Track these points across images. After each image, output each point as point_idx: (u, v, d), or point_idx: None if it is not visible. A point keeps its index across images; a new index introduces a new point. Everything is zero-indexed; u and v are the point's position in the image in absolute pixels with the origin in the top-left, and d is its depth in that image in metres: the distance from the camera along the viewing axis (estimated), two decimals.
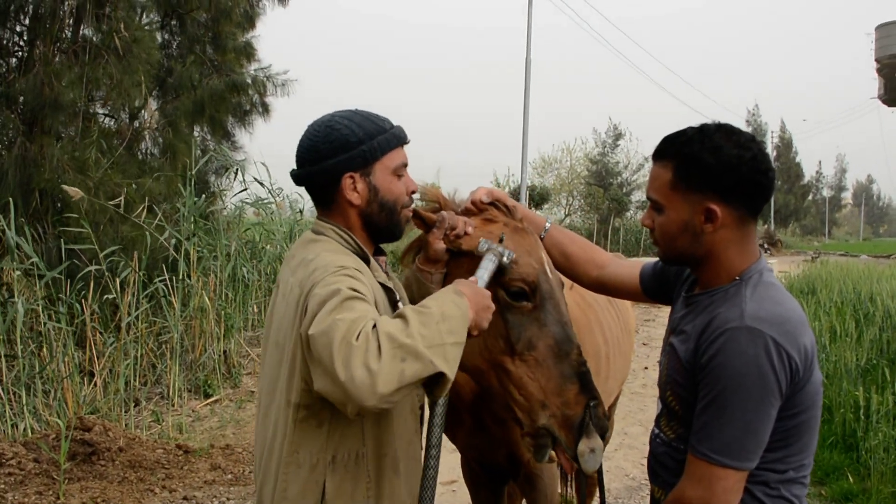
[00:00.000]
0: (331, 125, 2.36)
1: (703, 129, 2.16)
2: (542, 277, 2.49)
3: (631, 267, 2.82)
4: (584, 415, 2.29)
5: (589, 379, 2.37)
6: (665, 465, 2.29)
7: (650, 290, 2.70)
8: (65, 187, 8.11)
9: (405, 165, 2.45)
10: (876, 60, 37.94)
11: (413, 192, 2.49)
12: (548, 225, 2.91)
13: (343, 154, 2.32)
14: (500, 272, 2.44)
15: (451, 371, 1.96)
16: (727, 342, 1.99)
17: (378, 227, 2.42)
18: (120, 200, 8.55)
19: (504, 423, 3.12)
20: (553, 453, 2.38)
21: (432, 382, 1.98)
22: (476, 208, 2.69)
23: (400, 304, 2.34)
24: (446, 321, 2.01)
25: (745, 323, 1.98)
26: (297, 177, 2.42)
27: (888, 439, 6.34)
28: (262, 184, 11.73)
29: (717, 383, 2.00)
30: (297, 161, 2.41)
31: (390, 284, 2.37)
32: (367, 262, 2.34)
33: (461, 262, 2.56)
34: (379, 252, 2.53)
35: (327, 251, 2.27)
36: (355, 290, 2.05)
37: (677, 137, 2.19)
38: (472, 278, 2.31)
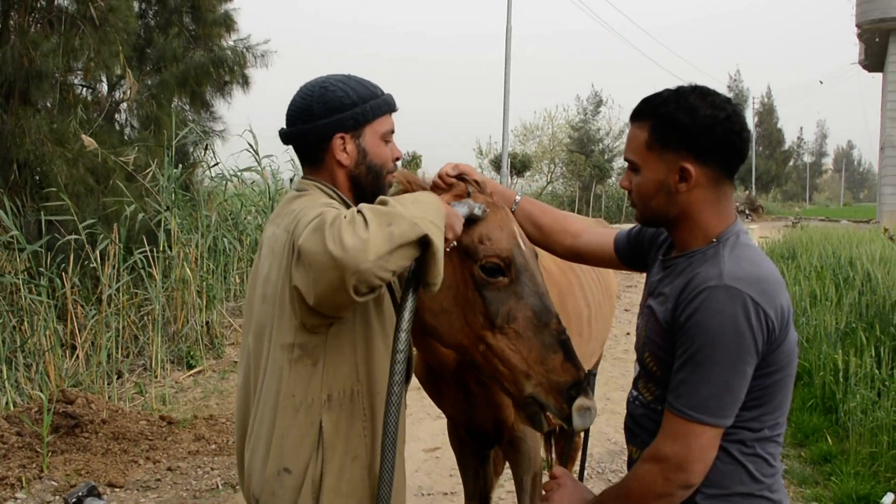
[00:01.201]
0: (325, 86, 2.39)
1: (679, 90, 2.19)
2: (515, 251, 2.49)
3: (605, 235, 2.82)
4: (581, 381, 2.33)
5: (570, 346, 2.39)
6: (643, 426, 2.31)
7: (625, 257, 2.71)
8: (83, 136, 8.08)
9: (392, 132, 2.51)
10: (857, 25, 37.86)
11: (397, 159, 2.54)
12: (518, 198, 2.89)
13: (336, 115, 2.37)
14: (470, 222, 2.46)
15: (437, 240, 2.07)
16: (705, 301, 2.02)
17: (364, 189, 2.45)
18: (129, 159, 8.49)
19: (488, 389, 3.14)
20: (549, 417, 2.40)
21: (422, 267, 2.11)
22: (444, 183, 2.68)
23: None
24: (419, 203, 2.11)
25: (724, 282, 2.01)
26: (288, 135, 2.46)
27: (866, 401, 6.41)
28: (254, 151, 11.64)
29: (694, 341, 2.03)
30: (289, 119, 2.45)
31: None
32: None
33: None
34: None
35: (312, 200, 2.31)
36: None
37: (654, 99, 2.22)
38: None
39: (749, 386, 2.05)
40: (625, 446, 2.60)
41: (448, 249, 2.31)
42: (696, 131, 2.11)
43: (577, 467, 4.18)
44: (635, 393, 2.39)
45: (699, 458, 2.05)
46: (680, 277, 2.17)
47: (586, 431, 2.55)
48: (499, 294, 2.44)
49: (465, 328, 2.48)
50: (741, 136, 2.14)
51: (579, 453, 3.11)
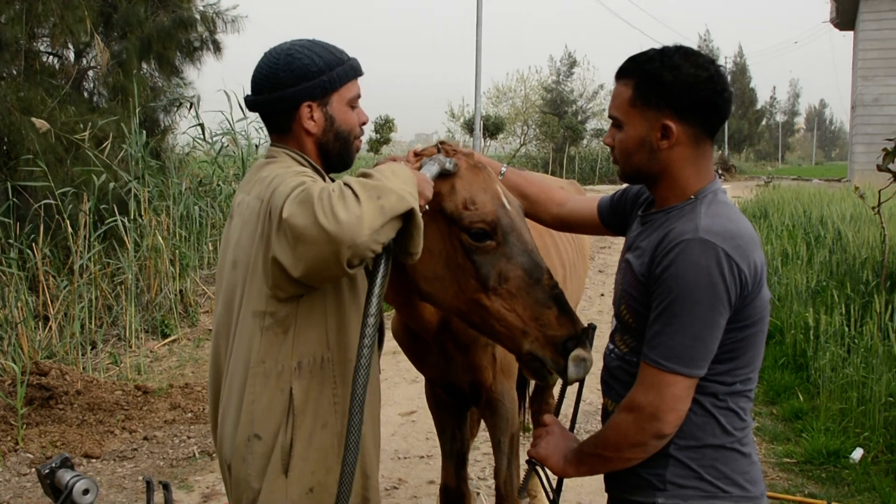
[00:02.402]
0: (291, 53, 2.37)
1: (664, 50, 2.24)
2: (500, 212, 2.52)
3: (589, 202, 2.86)
4: (580, 334, 2.39)
5: (564, 299, 2.45)
6: (618, 378, 2.36)
7: (608, 221, 2.75)
8: (33, 119, 7.95)
9: (359, 97, 2.50)
10: None
11: (364, 124, 2.55)
12: (503, 169, 2.93)
13: (304, 83, 2.35)
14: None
15: (418, 211, 2.14)
16: (680, 253, 2.07)
17: (331, 155, 2.47)
18: (84, 136, 8.37)
19: (467, 350, 3.18)
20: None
21: (404, 238, 2.17)
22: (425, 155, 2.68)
23: None
24: (398, 176, 2.14)
25: (699, 235, 2.06)
26: (254, 103, 2.44)
27: (836, 358, 6.50)
28: (230, 112, 11.57)
29: (669, 292, 2.08)
30: (254, 87, 2.43)
31: None
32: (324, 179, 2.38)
33: None
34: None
35: (284, 168, 2.32)
36: (307, 176, 2.20)
37: (639, 57, 2.27)
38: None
39: (722, 339, 2.10)
40: (599, 406, 2.62)
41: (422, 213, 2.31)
42: (678, 89, 2.16)
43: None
44: (611, 346, 2.44)
45: (672, 408, 2.10)
46: (657, 232, 2.22)
47: (580, 388, 2.59)
48: (488, 257, 2.47)
49: (460, 293, 2.52)
50: (722, 95, 2.19)
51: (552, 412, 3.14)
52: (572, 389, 2.77)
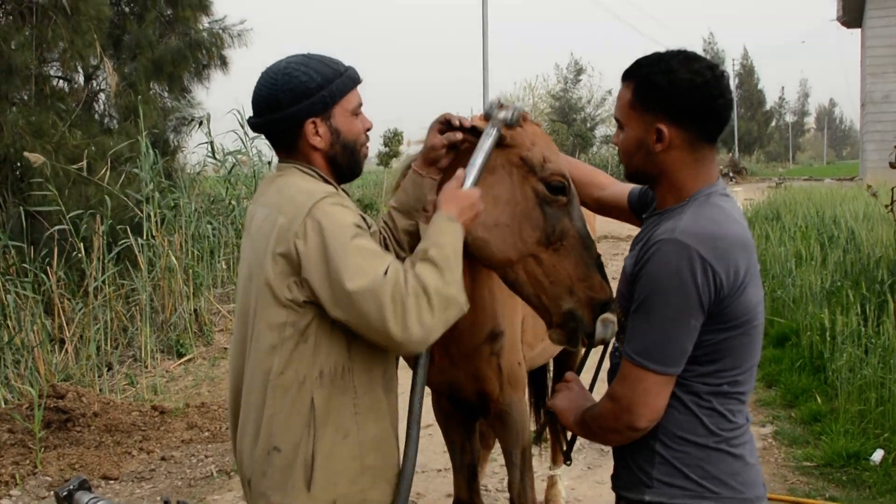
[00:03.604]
0: (288, 72, 2.38)
1: (665, 54, 2.29)
2: (567, 175, 2.67)
3: (624, 189, 2.94)
4: (611, 299, 2.53)
5: (604, 269, 2.62)
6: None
7: (637, 210, 2.82)
8: (26, 154, 7.97)
9: (360, 105, 2.52)
10: None
11: (369, 129, 2.58)
12: None
13: (304, 101, 2.36)
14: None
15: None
16: (656, 253, 2.13)
17: (341, 167, 2.49)
18: (82, 165, 8.40)
19: (472, 357, 3.17)
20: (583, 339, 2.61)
21: None
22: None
23: (372, 235, 2.43)
24: (457, 255, 2.29)
25: (674, 236, 2.11)
26: (258, 125, 2.46)
27: (853, 359, 6.45)
28: (240, 134, 11.62)
29: (643, 290, 2.15)
30: (256, 110, 2.44)
31: (360, 214, 2.43)
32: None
33: (458, 164, 2.64)
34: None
35: (301, 180, 2.37)
36: (359, 224, 2.27)
37: (643, 60, 2.32)
38: (461, 172, 2.49)
39: (700, 340, 2.14)
40: None
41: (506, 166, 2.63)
42: (671, 94, 2.20)
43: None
44: (616, 344, 2.51)
45: (643, 402, 2.16)
46: (649, 232, 2.28)
47: (605, 346, 2.67)
48: (557, 211, 2.62)
49: (518, 243, 2.63)
50: (717, 101, 2.21)
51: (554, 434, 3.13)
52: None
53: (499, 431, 3.45)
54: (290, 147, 2.46)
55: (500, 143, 2.65)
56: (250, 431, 2.35)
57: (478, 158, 2.52)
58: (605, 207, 3.02)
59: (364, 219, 2.40)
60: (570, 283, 2.57)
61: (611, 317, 2.48)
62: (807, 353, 7.50)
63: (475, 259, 2.69)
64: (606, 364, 2.60)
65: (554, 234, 2.59)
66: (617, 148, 2.41)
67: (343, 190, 2.54)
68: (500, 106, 2.59)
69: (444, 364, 3.22)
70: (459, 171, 2.50)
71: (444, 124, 2.68)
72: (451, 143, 2.65)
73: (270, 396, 2.29)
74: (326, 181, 2.43)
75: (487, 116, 2.61)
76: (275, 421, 2.29)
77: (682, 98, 2.19)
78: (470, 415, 3.63)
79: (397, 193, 2.75)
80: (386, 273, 2.16)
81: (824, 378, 6.88)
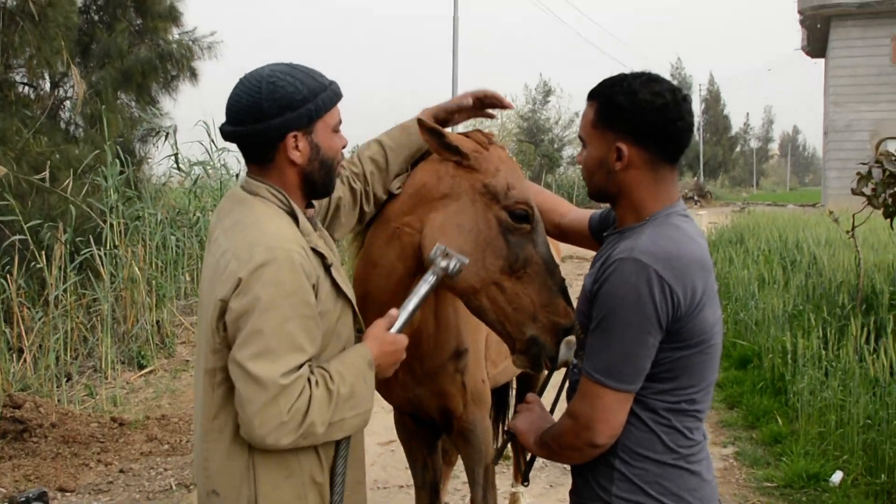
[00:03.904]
0: (272, 82, 2.26)
1: (629, 75, 2.32)
2: (533, 203, 2.68)
3: (585, 214, 2.97)
4: (573, 324, 2.52)
5: (568, 294, 2.61)
6: (576, 390, 2.41)
7: (597, 235, 2.83)
8: None
9: (341, 122, 2.44)
10: (799, 12, 38.37)
11: (344, 147, 2.49)
12: None
13: (289, 113, 2.25)
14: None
15: (341, 437, 2.27)
16: (614, 271, 2.15)
17: (316, 184, 2.40)
18: (45, 175, 8.29)
19: (436, 375, 3.15)
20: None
21: None
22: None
23: (332, 270, 2.34)
24: (353, 399, 2.22)
25: (633, 255, 2.13)
26: (234, 134, 2.32)
27: (814, 382, 6.51)
28: (207, 146, 11.55)
29: (602, 308, 2.16)
30: (233, 118, 2.30)
31: (321, 246, 2.34)
32: (297, 222, 2.31)
33: (452, 178, 2.71)
34: (308, 203, 2.50)
35: (265, 216, 2.25)
36: (301, 298, 2.15)
37: (606, 81, 2.35)
38: (394, 312, 2.42)
39: (657, 358, 2.16)
40: None
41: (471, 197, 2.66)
42: (631, 114, 2.23)
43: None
44: (574, 361, 2.52)
45: (602, 419, 2.17)
46: (608, 250, 2.30)
47: (567, 367, 2.68)
48: (520, 240, 2.63)
49: (482, 271, 2.61)
50: (676, 124, 2.24)
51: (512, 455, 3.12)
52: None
53: (462, 449, 3.43)
54: (264, 160, 2.33)
55: (463, 165, 2.67)
56: (196, 468, 2.32)
57: (411, 303, 2.45)
58: (565, 233, 3.03)
59: (320, 256, 2.32)
60: (534, 309, 2.58)
61: (572, 339, 2.52)
62: (769, 375, 7.58)
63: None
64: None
65: (517, 263, 2.59)
66: (580, 166, 2.43)
67: (309, 218, 2.45)
68: (445, 255, 2.51)
69: (407, 381, 3.19)
70: (392, 311, 2.42)
71: (479, 100, 2.88)
72: (462, 107, 2.81)
73: (206, 439, 2.23)
74: (292, 211, 2.32)
75: (429, 263, 2.52)
76: (210, 464, 2.23)
77: (642, 118, 2.22)
78: (433, 432, 3.61)
79: (387, 131, 2.83)
80: (287, 375, 2.07)
81: (785, 400, 6.96)
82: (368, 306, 2.89)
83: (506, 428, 2.66)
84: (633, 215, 2.31)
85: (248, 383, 2.05)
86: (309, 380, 2.12)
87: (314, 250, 2.29)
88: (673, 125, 2.23)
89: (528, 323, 2.58)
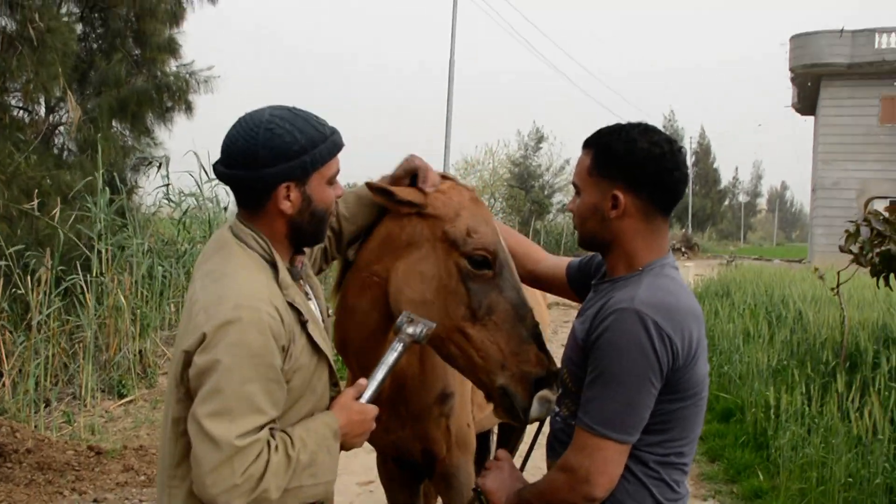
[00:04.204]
0: (270, 128, 2.18)
1: (626, 125, 2.34)
2: (498, 246, 2.60)
3: (561, 262, 2.96)
4: (553, 374, 2.46)
5: (542, 340, 2.52)
6: (560, 440, 2.40)
7: (575, 284, 2.83)
8: None
9: (338, 172, 2.36)
10: (790, 70, 38.92)
11: (339, 197, 2.43)
12: None
13: (283, 163, 2.18)
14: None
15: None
16: (614, 322, 2.14)
17: (304, 234, 2.34)
18: (34, 204, 8.26)
19: (420, 418, 3.13)
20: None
21: None
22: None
23: (308, 325, 2.27)
24: (313, 467, 2.16)
25: (634, 305, 2.13)
26: (226, 177, 2.25)
27: (796, 437, 6.51)
28: (198, 178, 11.55)
29: (602, 359, 2.15)
30: (227, 161, 2.23)
31: (298, 301, 2.27)
32: (277, 272, 2.25)
33: (413, 225, 2.65)
34: (296, 251, 2.44)
35: (242, 268, 2.19)
36: (265, 361, 2.08)
37: (603, 129, 2.38)
38: (363, 382, 2.38)
39: (654, 409, 2.16)
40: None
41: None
42: (629, 162, 2.25)
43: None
44: (556, 409, 2.49)
45: (603, 472, 2.15)
46: (601, 300, 2.29)
47: (538, 429, 2.62)
48: (482, 286, 2.54)
49: (445, 318, 2.54)
50: (673, 174, 2.26)
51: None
52: (531, 464, 2.78)
53: (443, 493, 3.40)
54: (254, 205, 2.28)
55: (424, 214, 2.63)
56: (157, 500, 2.27)
57: (379, 372, 2.40)
58: (539, 280, 3.01)
59: (297, 311, 2.25)
60: (502, 357, 2.48)
61: (549, 395, 2.45)
62: (751, 429, 7.56)
63: None
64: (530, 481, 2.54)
65: (480, 310, 2.51)
66: (572, 214, 2.43)
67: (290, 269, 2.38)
68: (410, 321, 2.46)
69: (391, 424, 3.16)
70: (361, 381, 2.38)
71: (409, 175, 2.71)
72: (410, 173, 2.69)
73: (169, 484, 2.19)
74: (273, 262, 2.26)
75: (396, 330, 2.47)
76: None
77: (639, 167, 2.24)
78: (415, 476, 3.58)
79: (343, 198, 2.73)
80: (243, 437, 2.01)
81: (767, 455, 6.94)
82: (348, 350, 2.92)
83: (474, 487, 2.60)
84: (626, 265, 2.32)
85: (204, 442, 2.00)
86: (269, 443, 2.07)
87: (291, 305, 2.23)
88: (669, 175, 2.25)
89: (497, 372, 2.49)
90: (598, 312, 2.23)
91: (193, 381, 2.07)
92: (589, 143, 2.37)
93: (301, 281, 2.43)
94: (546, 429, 2.57)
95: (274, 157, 2.17)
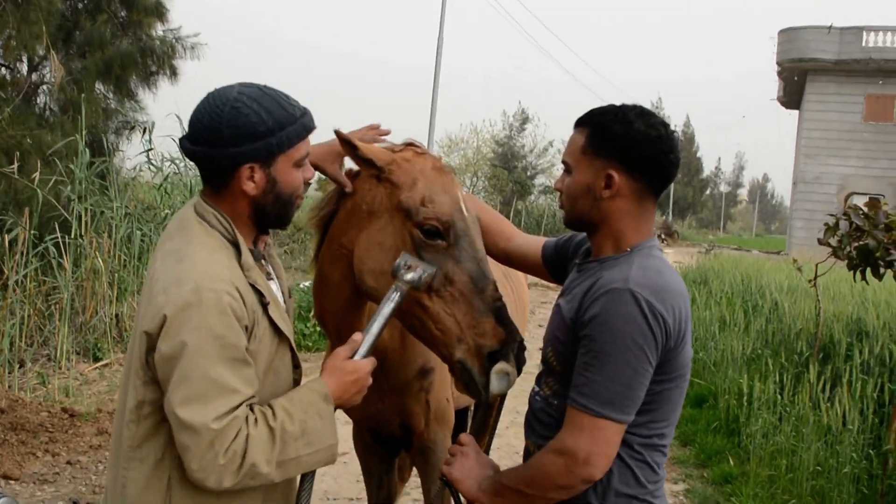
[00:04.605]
0: (237, 107, 2.12)
1: (622, 106, 2.33)
2: (456, 215, 2.52)
3: (535, 241, 2.92)
4: (506, 346, 2.38)
5: (505, 313, 2.43)
6: (540, 420, 2.39)
7: (550, 264, 2.80)
8: None
9: (307, 155, 2.31)
10: (777, 63, 39.02)
11: (309, 181, 2.38)
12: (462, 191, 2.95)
13: (248, 144, 2.12)
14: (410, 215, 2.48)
15: (299, 473, 2.22)
16: (609, 302, 2.12)
17: (268, 216, 2.29)
18: (14, 168, 8.17)
19: (400, 392, 3.13)
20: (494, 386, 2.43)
21: None
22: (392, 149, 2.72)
23: (269, 308, 2.23)
24: (306, 436, 2.14)
25: (628, 286, 2.12)
26: (191, 153, 2.20)
27: (767, 425, 6.57)
28: (179, 144, 11.41)
29: (597, 339, 2.12)
30: (192, 136, 2.18)
31: (260, 284, 2.23)
32: (239, 253, 2.21)
33: (374, 194, 2.61)
34: (260, 231, 2.39)
35: (202, 248, 2.15)
36: (229, 341, 2.05)
37: (598, 109, 2.37)
38: (358, 337, 2.33)
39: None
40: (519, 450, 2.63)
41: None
42: (626, 142, 2.24)
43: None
44: (536, 388, 2.48)
45: (604, 453, 2.13)
46: (589, 279, 2.28)
47: (499, 405, 2.57)
48: (436, 256, 2.47)
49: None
50: (668, 157, 2.26)
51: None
52: (503, 441, 2.78)
53: (420, 467, 3.41)
54: (218, 184, 2.23)
55: (382, 180, 2.58)
56: (109, 480, 2.23)
57: (375, 325, 2.35)
58: (511, 258, 2.97)
59: (258, 293, 2.21)
60: (459, 330, 2.42)
61: (507, 368, 2.38)
62: (723, 415, 7.64)
63: None
64: (504, 461, 2.48)
65: (435, 280, 2.43)
66: (560, 193, 2.41)
67: (254, 247, 2.35)
68: (408, 267, 2.40)
69: (370, 397, 3.13)
70: (356, 336, 2.34)
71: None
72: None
73: (126, 466, 2.14)
74: (235, 243, 2.21)
75: (393, 275, 2.42)
76: (128, 491, 2.14)
77: (635, 148, 2.23)
78: (391, 449, 3.57)
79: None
80: (220, 419, 1.99)
81: (738, 441, 7.02)
82: (327, 320, 2.91)
83: (440, 475, 2.56)
84: (613, 245, 2.32)
85: (183, 430, 1.99)
86: (247, 419, 2.05)
87: (253, 287, 2.19)
88: (665, 157, 2.25)
89: (454, 345, 2.42)
90: (588, 292, 2.22)
91: (160, 368, 2.04)
92: (583, 122, 2.36)
93: (263, 262, 2.39)
94: (509, 403, 2.53)
95: (238, 137, 2.12)
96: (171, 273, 2.08)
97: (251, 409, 2.08)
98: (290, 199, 2.28)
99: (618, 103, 2.38)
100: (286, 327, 2.31)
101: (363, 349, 2.33)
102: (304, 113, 2.26)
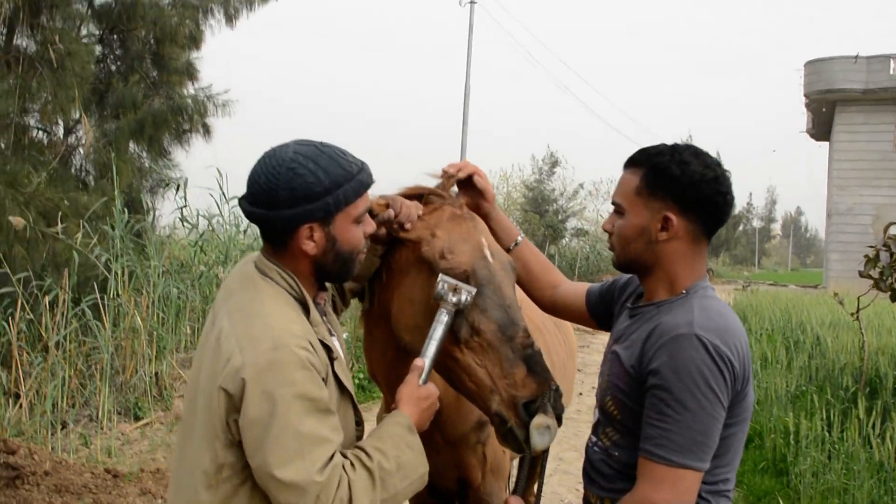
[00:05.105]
0: (293, 168, 2.12)
1: (675, 146, 2.30)
2: (478, 263, 2.49)
3: (579, 287, 2.89)
4: (541, 396, 2.30)
5: (538, 360, 2.37)
6: (601, 471, 2.35)
7: (595, 311, 2.77)
8: (10, 218, 7.84)
9: (367, 210, 2.31)
10: (805, 95, 38.91)
11: (369, 235, 2.38)
12: (519, 238, 2.94)
13: (305, 205, 2.13)
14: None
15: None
16: (676, 349, 2.08)
17: (329, 273, 2.31)
18: (57, 229, 8.29)
19: (457, 446, 3.09)
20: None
21: None
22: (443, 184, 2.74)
23: (335, 365, 2.23)
24: (402, 470, 2.16)
25: (693, 330, 2.08)
26: (250, 214, 2.23)
27: (816, 464, 6.45)
28: (217, 199, 11.62)
29: (671, 388, 2.07)
30: (250, 198, 2.20)
31: (329, 339, 2.25)
32: (307, 310, 2.22)
33: (401, 253, 2.60)
34: (321, 287, 2.41)
35: (273, 306, 2.15)
36: (314, 395, 2.05)
37: (651, 149, 2.33)
38: (420, 362, 2.34)
39: None
40: None
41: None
42: (684, 184, 2.21)
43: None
44: (594, 439, 2.43)
45: (686, 501, 2.09)
46: (647, 324, 2.24)
47: (545, 454, 2.52)
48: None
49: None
50: (725, 197, 2.25)
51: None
52: (548, 489, 2.73)
53: None
54: (278, 244, 2.24)
55: (405, 240, 2.57)
56: None
57: (430, 349, 2.36)
58: (556, 306, 2.93)
59: (327, 348, 2.22)
60: (491, 381, 2.36)
61: (546, 420, 2.29)
62: (770, 455, 7.50)
63: None
64: (567, 497, 2.46)
65: (462, 331, 2.40)
66: (609, 234, 2.37)
67: (318, 302, 2.36)
68: (453, 289, 2.38)
69: (426, 451, 3.14)
70: (418, 361, 2.34)
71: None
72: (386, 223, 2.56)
73: None
74: (302, 300, 2.23)
75: (438, 299, 2.39)
76: None
77: (693, 189, 2.20)
78: (444, 502, 3.54)
79: None
80: (322, 471, 1.99)
81: (787, 482, 6.88)
82: (378, 376, 2.93)
83: None
84: (667, 288, 2.28)
85: (285, 491, 1.98)
86: (343, 466, 2.05)
87: (322, 342, 2.20)
88: (722, 198, 2.23)
89: (489, 397, 2.37)
90: (649, 338, 2.17)
91: (246, 431, 2.02)
92: (637, 163, 2.32)
93: (324, 318, 2.38)
94: (552, 450, 2.50)
95: (295, 199, 2.13)
96: (244, 331, 2.08)
97: (344, 455, 2.09)
98: (351, 255, 2.29)
99: (668, 142, 2.35)
100: (349, 383, 2.31)
101: (426, 372, 2.34)
102: (361, 169, 2.25)
